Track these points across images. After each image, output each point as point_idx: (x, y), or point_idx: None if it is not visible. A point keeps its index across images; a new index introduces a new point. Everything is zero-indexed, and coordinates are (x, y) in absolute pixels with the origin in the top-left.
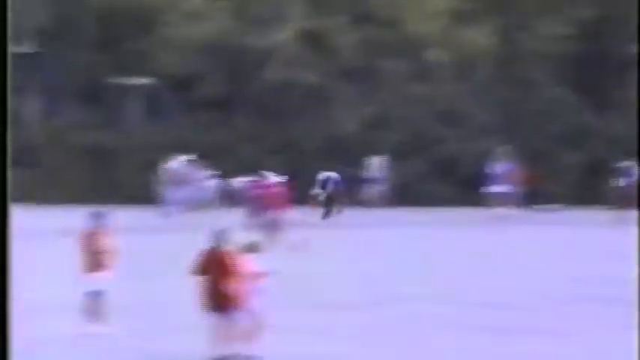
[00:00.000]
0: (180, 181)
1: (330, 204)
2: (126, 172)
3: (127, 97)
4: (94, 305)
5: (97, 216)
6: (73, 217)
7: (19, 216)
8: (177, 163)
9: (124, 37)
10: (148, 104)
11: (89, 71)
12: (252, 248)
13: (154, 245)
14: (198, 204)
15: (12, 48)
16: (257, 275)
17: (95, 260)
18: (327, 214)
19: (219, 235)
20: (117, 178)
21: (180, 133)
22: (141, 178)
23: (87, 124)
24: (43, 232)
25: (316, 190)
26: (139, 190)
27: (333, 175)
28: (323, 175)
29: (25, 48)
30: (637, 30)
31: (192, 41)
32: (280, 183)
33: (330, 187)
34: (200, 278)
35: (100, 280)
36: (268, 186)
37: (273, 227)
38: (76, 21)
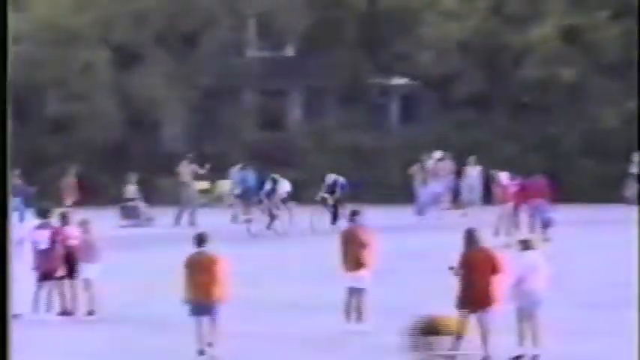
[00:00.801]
0: (435, 179)
1: None
2: (384, 171)
3: (386, 98)
4: (356, 303)
5: (355, 215)
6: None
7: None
8: (432, 160)
9: (384, 38)
10: (405, 104)
11: (350, 72)
12: (526, 245)
13: (408, 244)
14: (455, 202)
15: (275, 53)
16: (516, 273)
17: (355, 258)
18: None
19: (473, 234)
20: (375, 178)
21: (438, 133)
22: (399, 177)
23: (347, 125)
24: (302, 231)
25: None
26: (397, 190)
27: None
28: None
29: (288, 51)
30: (637, 30)
31: (449, 40)
32: (534, 181)
33: None
34: (461, 276)
35: (360, 278)
36: (529, 184)
37: (536, 223)
38: (337, 23)
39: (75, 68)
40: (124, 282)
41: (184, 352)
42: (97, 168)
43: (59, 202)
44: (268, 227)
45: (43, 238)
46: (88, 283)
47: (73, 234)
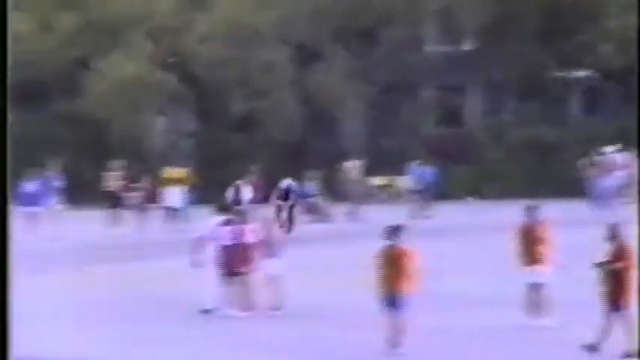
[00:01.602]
0: (611, 172)
1: None
2: (563, 165)
3: (566, 91)
4: (536, 298)
5: (533, 210)
6: (510, 212)
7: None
8: (608, 154)
9: (565, 30)
10: (586, 97)
11: (529, 65)
12: None
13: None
14: (631, 195)
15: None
16: None
17: (533, 253)
18: None
19: (616, 229)
20: (554, 172)
21: (619, 126)
22: (577, 171)
23: (526, 119)
24: (480, 227)
25: None
26: (575, 184)
27: None
28: None
29: (466, 45)
30: (637, 30)
31: (630, 31)
32: None
33: None
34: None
35: (539, 273)
36: None
37: None
38: (517, 16)
39: (257, 67)
40: (306, 277)
41: (372, 347)
42: (278, 165)
43: (239, 200)
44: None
45: (227, 234)
46: (272, 279)
47: (256, 230)
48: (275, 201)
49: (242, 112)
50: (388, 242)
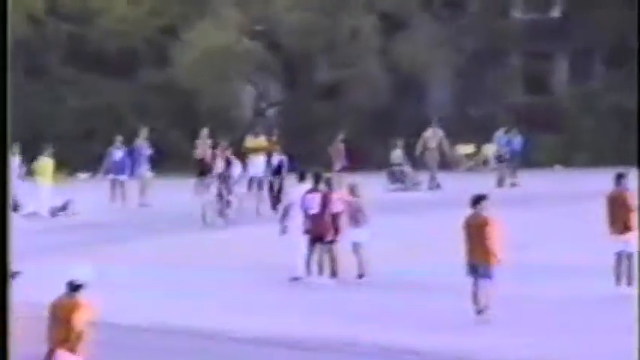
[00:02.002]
0: None
1: None
2: None
3: None
4: (626, 266)
5: (622, 178)
6: (598, 180)
7: (542, 179)
8: None
9: None
10: None
11: (617, 32)
12: None
13: None
14: None
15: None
16: None
17: (622, 222)
18: None
19: None
20: None
21: None
22: None
23: (614, 87)
24: (567, 195)
25: None
26: None
27: None
28: None
29: (554, 12)
30: (637, 29)
31: None
32: None
33: None
34: None
35: (628, 241)
36: None
37: None
38: None
39: (343, 35)
40: (391, 245)
41: (458, 315)
42: (364, 133)
43: (328, 167)
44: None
45: (314, 202)
46: (357, 247)
47: (342, 198)
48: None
49: (328, 80)
50: (473, 211)
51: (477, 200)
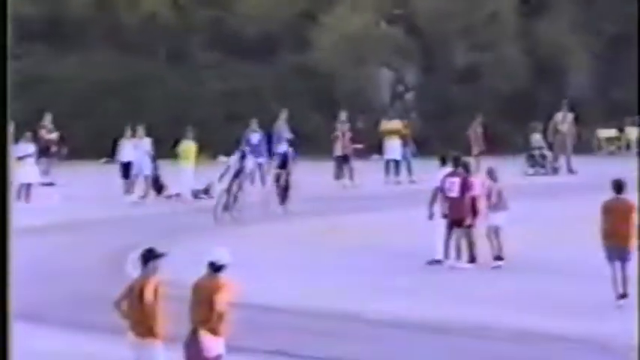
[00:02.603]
0: None
1: None
2: None
3: None
4: None
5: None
6: None
7: None
8: None
9: None
10: None
11: None
12: None
13: None
14: None
15: None
16: None
17: None
18: None
19: None
20: None
21: None
22: None
23: None
24: None
25: None
26: None
27: None
28: None
29: None
30: (637, 27)
31: None
32: None
33: None
34: None
35: None
36: None
37: None
38: None
39: (481, 18)
40: (529, 230)
41: (596, 299)
42: (502, 117)
43: (466, 151)
44: None
45: (454, 186)
46: (495, 231)
47: (481, 182)
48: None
49: (466, 63)
50: (615, 195)
51: (619, 185)
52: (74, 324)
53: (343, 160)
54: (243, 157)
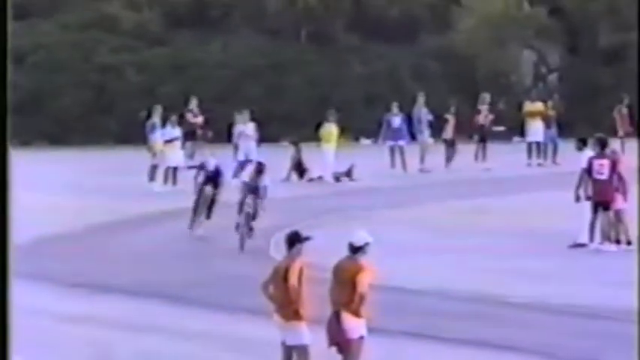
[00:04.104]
0: None
1: None
2: None
3: None
4: None
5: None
6: None
7: None
8: None
9: None
10: None
11: None
12: None
13: None
14: None
15: None
16: None
17: None
18: None
19: None
20: None
21: None
22: None
23: None
24: None
25: None
26: None
27: None
28: None
29: None
30: (637, 26)
31: None
32: None
33: None
34: None
35: None
36: None
37: None
38: None
39: None
40: None
41: None
42: None
43: (611, 133)
44: None
45: (603, 168)
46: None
47: (625, 164)
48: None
49: (610, 44)
50: None
51: None
52: (221, 306)
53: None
54: (259, 172)
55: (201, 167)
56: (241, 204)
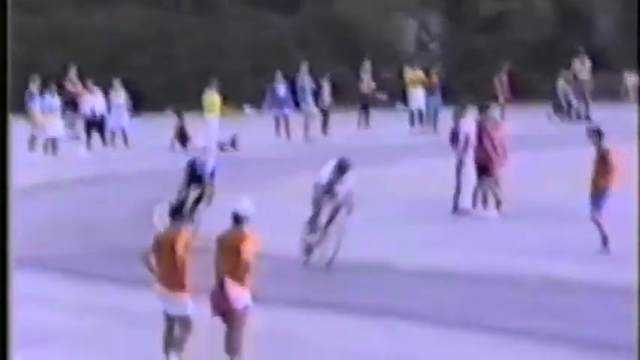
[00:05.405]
0: None
1: None
2: None
3: None
4: None
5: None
6: None
7: None
8: None
9: None
10: None
11: None
12: None
13: None
14: None
15: None
16: None
17: None
18: None
19: None
20: None
21: None
22: None
23: None
24: None
25: None
26: None
27: None
28: None
29: None
30: (637, 25)
31: None
32: None
33: None
34: None
35: None
36: None
37: None
38: None
39: None
40: (544, 178)
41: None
42: (528, 65)
43: (491, 99)
44: None
45: (483, 134)
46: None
47: (501, 130)
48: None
49: (491, 12)
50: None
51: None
52: (100, 276)
53: (368, 107)
54: (342, 169)
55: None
56: (314, 215)
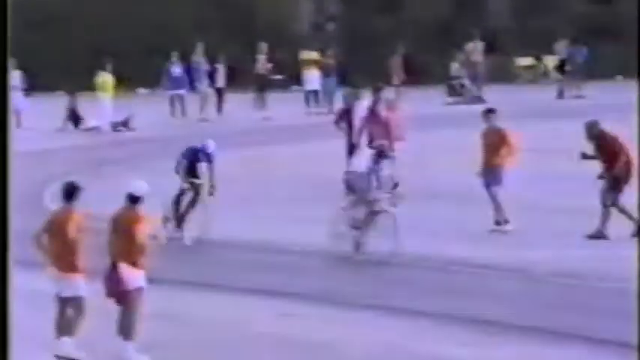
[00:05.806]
0: None
1: None
2: None
3: None
4: None
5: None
6: None
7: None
8: None
9: None
10: None
11: None
12: None
13: None
14: None
15: None
16: None
17: None
18: None
19: None
20: None
21: None
22: None
23: None
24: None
25: None
26: None
27: None
28: None
29: None
30: (637, 25)
31: None
32: None
33: None
34: None
35: None
36: None
37: None
38: None
39: None
40: (438, 158)
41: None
42: (423, 46)
43: (387, 81)
44: None
45: (378, 115)
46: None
47: (395, 112)
48: None
49: None
50: (487, 123)
51: (488, 113)
52: None
53: (264, 89)
54: (380, 155)
55: None
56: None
